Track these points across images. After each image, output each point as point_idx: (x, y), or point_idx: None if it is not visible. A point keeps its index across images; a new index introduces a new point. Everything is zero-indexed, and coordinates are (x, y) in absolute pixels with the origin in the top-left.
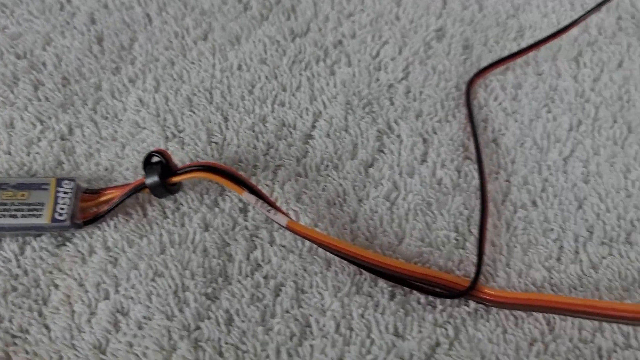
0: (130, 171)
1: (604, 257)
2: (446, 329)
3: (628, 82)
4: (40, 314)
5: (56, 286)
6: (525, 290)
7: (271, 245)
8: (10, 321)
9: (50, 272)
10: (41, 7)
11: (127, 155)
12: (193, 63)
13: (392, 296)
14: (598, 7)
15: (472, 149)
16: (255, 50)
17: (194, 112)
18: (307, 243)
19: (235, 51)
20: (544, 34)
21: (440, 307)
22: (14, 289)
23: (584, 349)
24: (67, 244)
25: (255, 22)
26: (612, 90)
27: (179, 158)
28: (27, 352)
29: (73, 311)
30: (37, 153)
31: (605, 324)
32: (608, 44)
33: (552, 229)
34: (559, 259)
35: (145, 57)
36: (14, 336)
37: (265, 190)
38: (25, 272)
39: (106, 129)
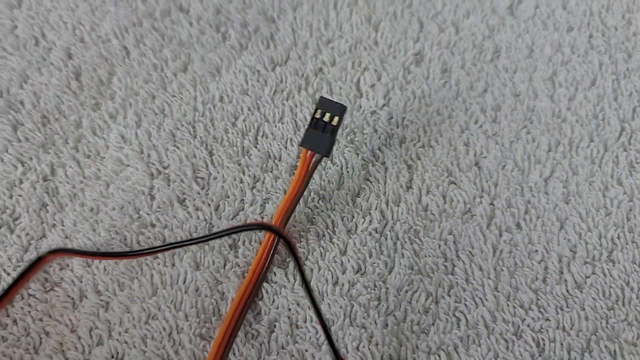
0: (116, 211)
1: (587, 277)
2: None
3: (602, 100)
4: None
5: (47, 334)
6: (513, 314)
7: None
8: None
9: (41, 320)
10: (15, 43)
11: (111, 194)
12: (174, 96)
13: (385, 326)
14: None
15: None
16: (236, 80)
17: (178, 147)
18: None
19: (216, 82)
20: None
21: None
22: (4, 339)
23: None
24: (56, 289)
25: (235, 52)
26: (587, 109)
27: (165, 196)
28: None
29: (66, 359)
30: (20, 195)
31: (593, 344)
32: (581, 62)
33: (536, 251)
34: (544, 280)
35: (125, 91)
36: None
37: None
38: (15, 321)
39: (89, 167)
